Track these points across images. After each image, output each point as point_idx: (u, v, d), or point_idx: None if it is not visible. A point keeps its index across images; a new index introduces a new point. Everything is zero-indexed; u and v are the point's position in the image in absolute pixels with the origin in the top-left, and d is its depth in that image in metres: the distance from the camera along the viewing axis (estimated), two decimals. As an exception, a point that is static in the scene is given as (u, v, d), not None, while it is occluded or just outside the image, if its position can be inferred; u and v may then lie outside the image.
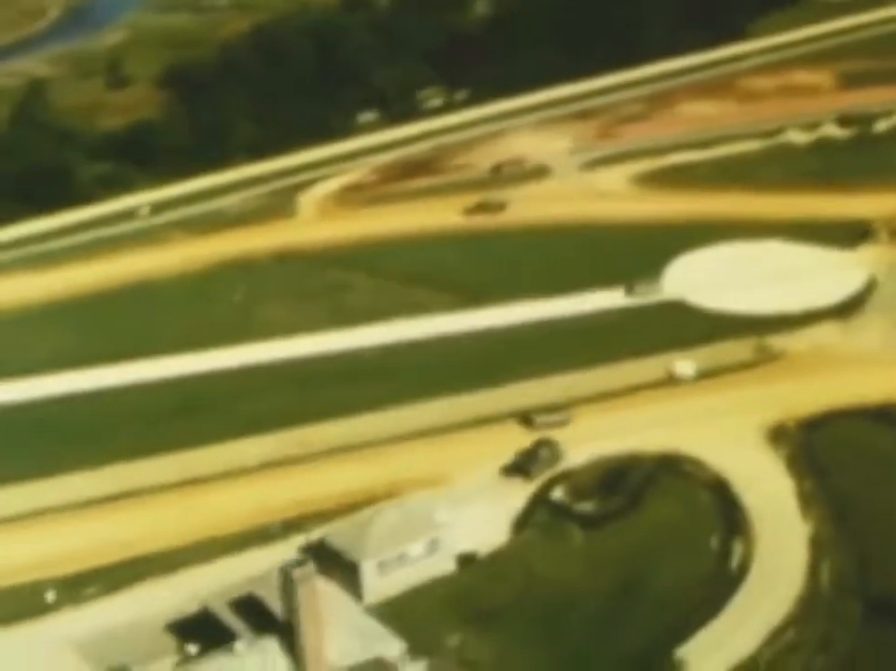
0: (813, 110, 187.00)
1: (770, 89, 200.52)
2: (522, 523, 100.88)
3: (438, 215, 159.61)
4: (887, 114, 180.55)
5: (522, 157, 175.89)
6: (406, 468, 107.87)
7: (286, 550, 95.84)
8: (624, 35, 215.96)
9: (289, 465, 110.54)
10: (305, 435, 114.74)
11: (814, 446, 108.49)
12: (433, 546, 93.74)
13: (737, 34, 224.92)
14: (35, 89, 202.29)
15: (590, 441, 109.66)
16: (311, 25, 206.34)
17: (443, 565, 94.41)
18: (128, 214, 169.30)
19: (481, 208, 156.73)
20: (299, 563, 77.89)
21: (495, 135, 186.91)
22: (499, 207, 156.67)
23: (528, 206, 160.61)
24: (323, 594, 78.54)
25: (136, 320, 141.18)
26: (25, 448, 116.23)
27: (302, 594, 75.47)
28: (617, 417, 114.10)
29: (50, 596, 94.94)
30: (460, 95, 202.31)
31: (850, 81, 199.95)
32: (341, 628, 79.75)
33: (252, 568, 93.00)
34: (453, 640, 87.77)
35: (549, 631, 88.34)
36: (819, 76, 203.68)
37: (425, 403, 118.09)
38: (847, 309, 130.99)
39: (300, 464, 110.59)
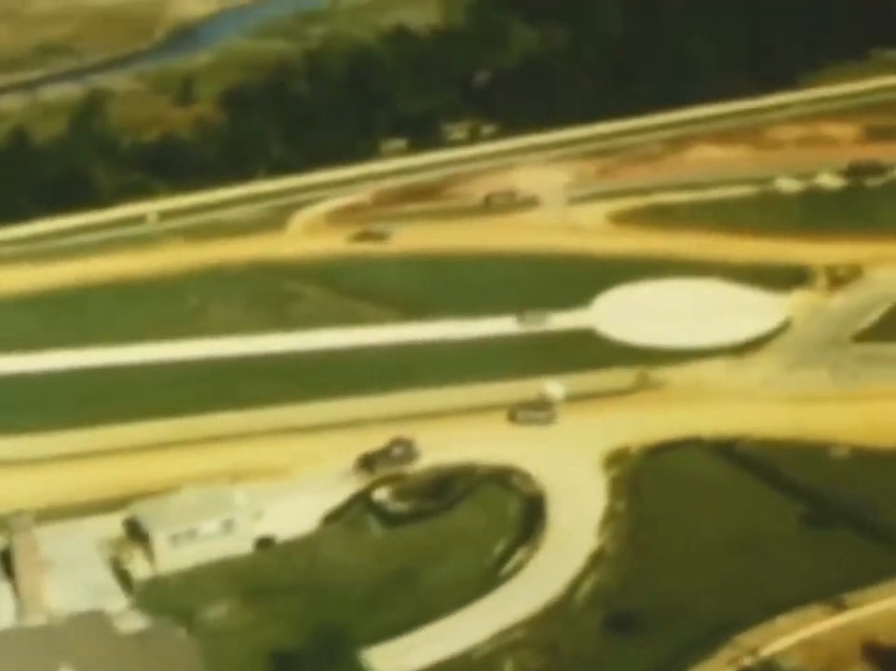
0: (825, 160, 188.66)
1: (790, 139, 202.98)
2: (335, 516, 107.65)
3: (403, 236, 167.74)
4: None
5: (514, 189, 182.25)
6: (255, 459, 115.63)
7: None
8: (670, 78, 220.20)
9: (162, 448, 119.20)
10: (194, 423, 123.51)
11: (645, 471, 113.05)
12: (228, 527, 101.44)
13: (787, 83, 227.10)
14: (95, 101, 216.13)
15: (448, 448, 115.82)
16: (353, 52, 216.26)
17: (240, 545, 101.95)
18: (139, 219, 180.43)
19: (364, 236, 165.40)
20: (18, 514, 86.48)
21: (503, 168, 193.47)
22: (380, 236, 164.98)
23: (501, 234, 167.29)
24: (50, 543, 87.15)
25: (101, 313, 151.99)
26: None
27: (18, 541, 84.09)
28: (483, 429, 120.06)
29: None
30: (488, 129, 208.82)
31: (877, 134, 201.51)
32: (70, 579, 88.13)
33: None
34: (219, 609, 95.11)
35: (311, 608, 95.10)
36: (845, 129, 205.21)
37: (308, 403, 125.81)
38: (745, 348, 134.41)
39: (172, 448, 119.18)
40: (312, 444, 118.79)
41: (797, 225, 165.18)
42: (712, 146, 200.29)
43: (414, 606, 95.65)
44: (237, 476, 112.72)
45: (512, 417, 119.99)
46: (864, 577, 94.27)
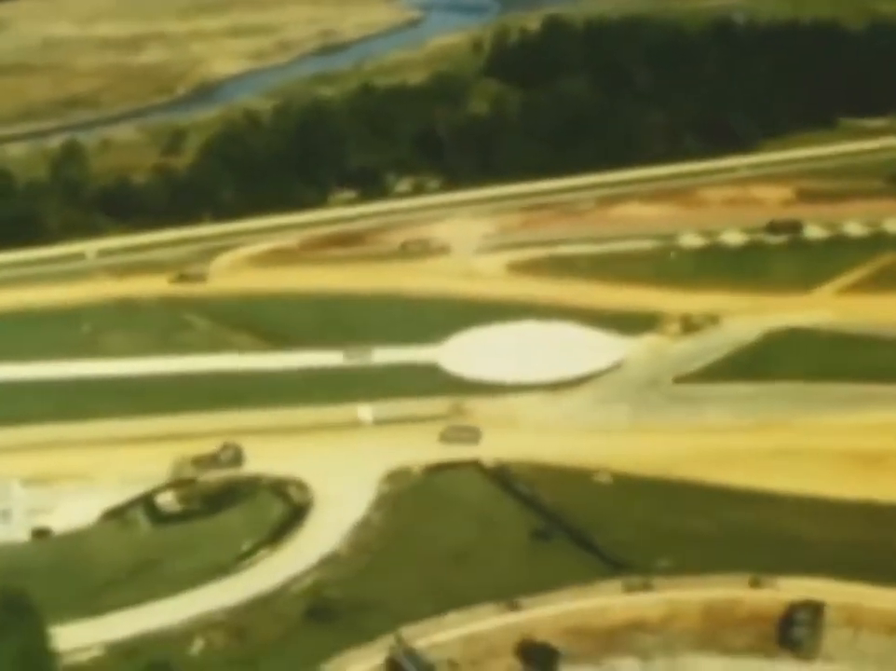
0: (747, 219, 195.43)
1: (719, 199, 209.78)
2: (114, 513, 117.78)
3: (312, 277, 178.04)
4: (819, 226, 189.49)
5: (429, 237, 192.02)
6: (69, 465, 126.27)
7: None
8: (622, 141, 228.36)
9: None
10: (31, 431, 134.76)
11: (416, 488, 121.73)
12: (5, 516, 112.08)
13: (743, 149, 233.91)
14: (72, 150, 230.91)
15: (260, 460, 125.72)
16: (309, 107, 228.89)
17: (15, 534, 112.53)
18: (79, 256, 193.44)
19: (182, 278, 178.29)
20: None
21: (430, 219, 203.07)
22: (198, 278, 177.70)
23: (399, 277, 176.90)
24: None
25: (9, 336, 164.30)
26: None
27: None
28: (300, 445, 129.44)
29: None
30: (433, 183, 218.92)
31: (807, 197, 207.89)
32: None
33: None
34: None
35: (51, 587, 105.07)
36: (777, 191, 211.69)
37: (137, 419, 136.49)
38: (564, 384, 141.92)
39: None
40: (135, 451, 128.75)
41: (685, 278, 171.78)
42: (640, 204, 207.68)
43: (146, 591, 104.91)
44: (47, 478, 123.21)
45: (443, 438, 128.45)
46: (553, 583, 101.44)
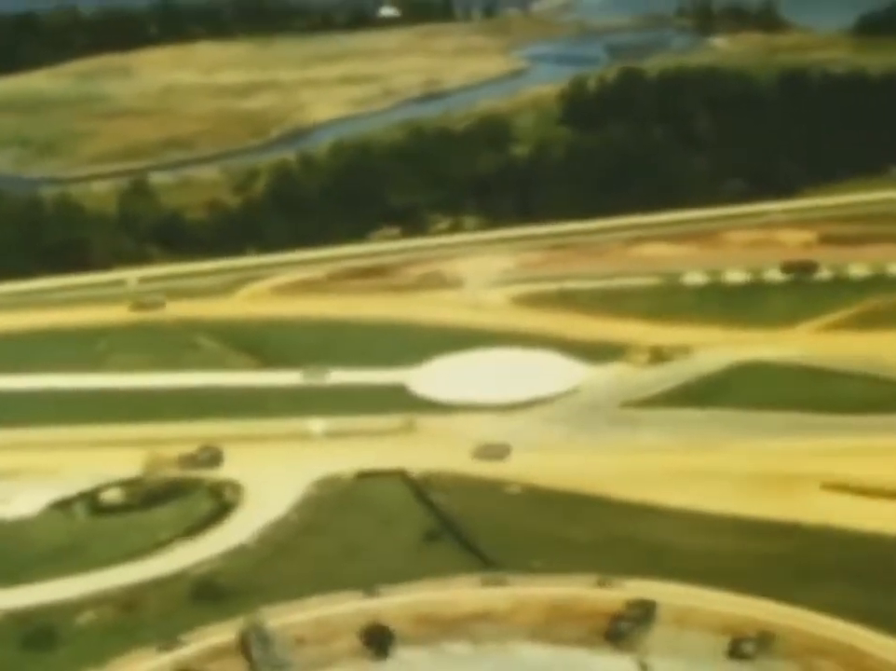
0: (766, 260, 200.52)
1: (740, 241, 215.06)
2: (60, 504, 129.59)
3: (328, 306, 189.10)
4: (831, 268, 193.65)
5: (447, 271, 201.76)
6: (43, 463, 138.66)
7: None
8: (665, 184, 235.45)
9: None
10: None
11: (342, 493, 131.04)
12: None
13: (788, 194, 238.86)
14: (139, 185, 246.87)
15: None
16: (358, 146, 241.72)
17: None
18: (120, 282, 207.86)
19: (139, 306, 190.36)
20: None
21: (458, 255, 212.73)
22: (155, 305, 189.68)
23: (407, 307, 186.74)
24: None
25: (42, 350, 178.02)
26: None
27: None
28: (252, 452, 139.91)
29: None
30: (471, 222, 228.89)
31: (829, 241, 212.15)
32: None
33: None
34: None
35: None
36: (800, 235, 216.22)
37: (120, 426, 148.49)
38: (517, 406, 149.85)
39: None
40: (108, 453, 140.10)
41: (678, 312, 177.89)
42: (662, 244, 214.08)
43: (64, 570, 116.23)
44: (17, 473, 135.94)
45: (475, 454, 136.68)
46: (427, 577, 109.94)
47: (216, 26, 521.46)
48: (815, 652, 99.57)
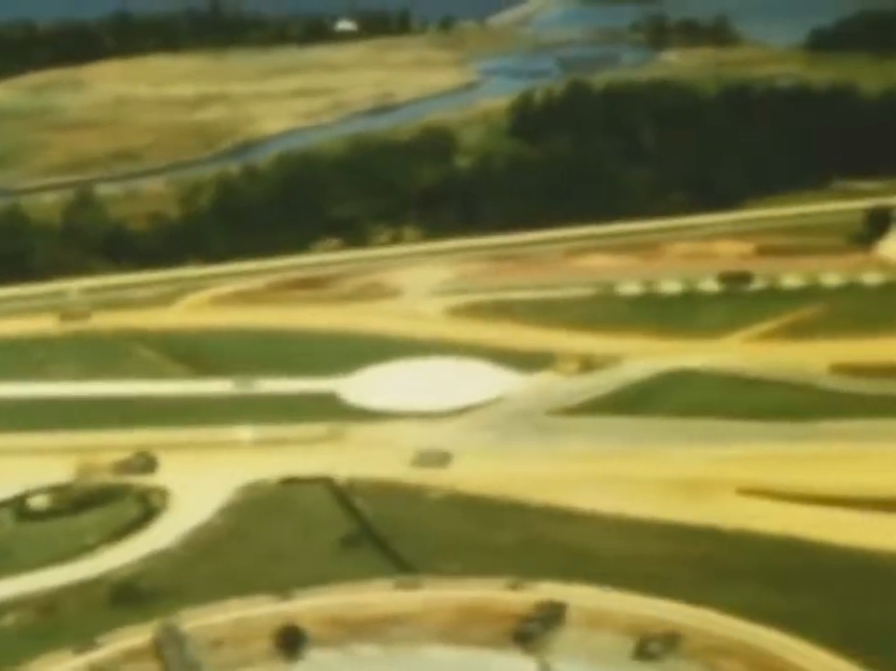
0: (701, 270, 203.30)
1: (678, 253, 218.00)
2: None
3: (265, 316, 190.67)
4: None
5: (385, 282, 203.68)
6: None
7: None
8: (605, 195, 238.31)
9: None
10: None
11: (267, 498, 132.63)
12: None
13: (730, 206, 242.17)
14: (84, 197, 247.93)
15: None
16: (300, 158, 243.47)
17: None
18: (63, 293, 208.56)
19: (67, 317, 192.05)
20: None
21: (398, 265, 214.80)
22: (83, 315, 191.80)
23: (343, 317, 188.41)
24: None
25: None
26: None
27: None
28: (181, 459, 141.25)
29: None
30: (413, 233, 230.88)
31: (765, 252, 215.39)
32: None
33: None
34: None
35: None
36: (737, 246, 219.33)
37: (53, 433, 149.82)
38: (443, 414, 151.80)
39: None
40: (40, 460, 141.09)
41: (611, 322, 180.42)
42: (603, 255, 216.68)
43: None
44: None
45: (415, 461, 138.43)
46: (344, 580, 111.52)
47: (172, 39, 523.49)
48: (721, 653, 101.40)
